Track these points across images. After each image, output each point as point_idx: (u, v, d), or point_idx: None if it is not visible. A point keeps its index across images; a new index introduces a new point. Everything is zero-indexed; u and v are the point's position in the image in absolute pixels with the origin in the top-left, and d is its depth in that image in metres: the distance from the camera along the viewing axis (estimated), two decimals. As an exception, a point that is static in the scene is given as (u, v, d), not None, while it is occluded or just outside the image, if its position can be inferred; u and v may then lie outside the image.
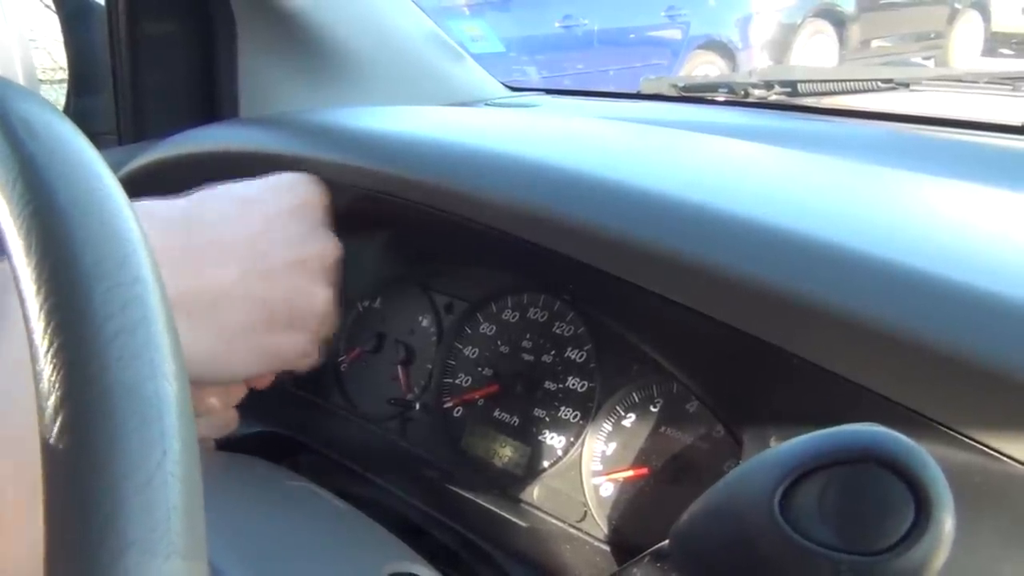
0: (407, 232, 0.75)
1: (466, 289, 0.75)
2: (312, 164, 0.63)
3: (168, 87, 0.97)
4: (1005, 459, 0.38)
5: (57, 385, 0.25)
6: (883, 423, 0.40)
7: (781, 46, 5.85)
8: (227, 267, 0.52)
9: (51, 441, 0.25)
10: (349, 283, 0.83)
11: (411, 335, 0.78)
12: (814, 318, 0.42)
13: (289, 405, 0.80)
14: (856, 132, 1.01)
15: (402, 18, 1.07)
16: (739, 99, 1.19)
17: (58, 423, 0.25)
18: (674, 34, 5.72)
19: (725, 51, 5.74)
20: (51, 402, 0.25)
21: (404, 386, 0.76)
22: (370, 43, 0.99)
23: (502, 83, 1.23)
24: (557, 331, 0.69)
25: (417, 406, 0.75)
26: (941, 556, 0.22)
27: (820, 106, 1.14)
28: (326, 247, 0.58)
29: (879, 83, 1.11)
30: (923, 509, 0.22)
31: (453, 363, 0.74)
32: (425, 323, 0.77)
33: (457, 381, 0.74)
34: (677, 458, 0.60)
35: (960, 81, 1.04)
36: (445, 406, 0.74)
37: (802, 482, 0.24)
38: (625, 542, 0.60)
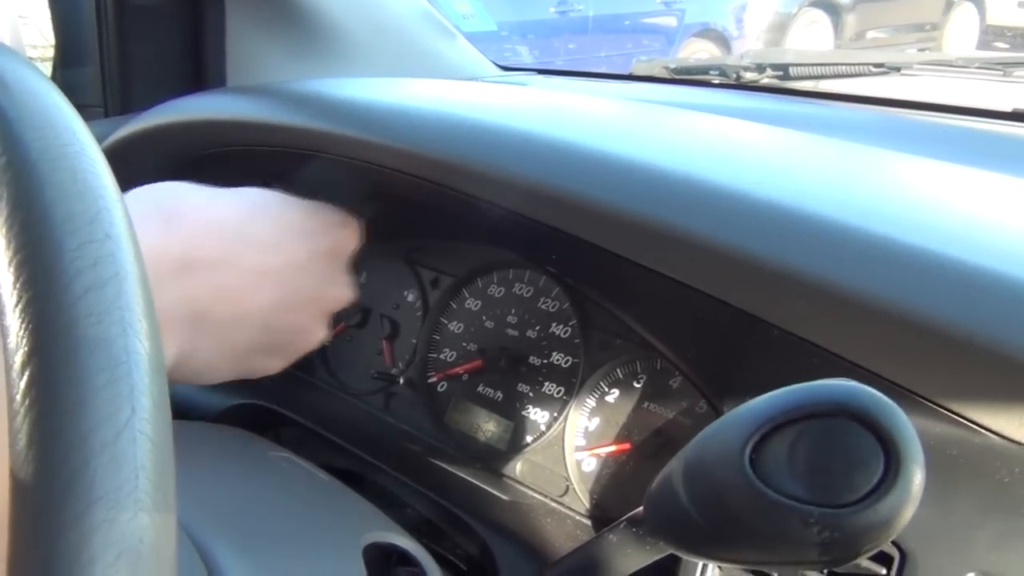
0: (393, 205, 0.75)
1: (452, 264, 0.75)
2: (298, 134, 0.63)
3: (155, 58, 0.95)
4: (982, 431, 0.38)
5: (25, 340, 0.25)
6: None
7: (776, 35, 5.84)
8: (263, 295, 0.53)
9: (18, 395, 0.24)
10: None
11: (396, 310, 0.77)
12: (794, 288, 0.42)
13: (272, 378, 0.80)
14: (846, 115, 1.01)
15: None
16: (731, 82, 1.18)
17: (26, 377, 0.24)
18: (669, 21, 5.69)
19: (720, 40, 5.72)
20: (19, 356, 0.25)
21: (389, 360, 0.76)
22: (360, 16, 0.98)
23: (493, 62, 1.22)
24: (542, 306, 0.69)
25: (401, 380, 0.74)
26: (910, 509, 0.22)
27: (812, 89, 1.14)
28: (344, 292, 0.59)
29: (871, 67, 1.10)
30: (892, 463, 0.22)
31: (438, 338, 0.74)
32: (411, 298, 0.77)
33: (442, 356, 0.73)
34: (660, 433, 0.60)
35: (951, 66, 1.03)
36: (429, 381, 0.73)
37: (772, 436, 0.24)
38: (606, 516, 0.60)
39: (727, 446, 0.24)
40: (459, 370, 0.72)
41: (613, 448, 0.62)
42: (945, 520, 0.36)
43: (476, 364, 0.71)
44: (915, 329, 0.38)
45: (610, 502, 0.61)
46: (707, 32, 5.76)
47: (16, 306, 0.25)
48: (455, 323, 0.73)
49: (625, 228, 0.50)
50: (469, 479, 0.65)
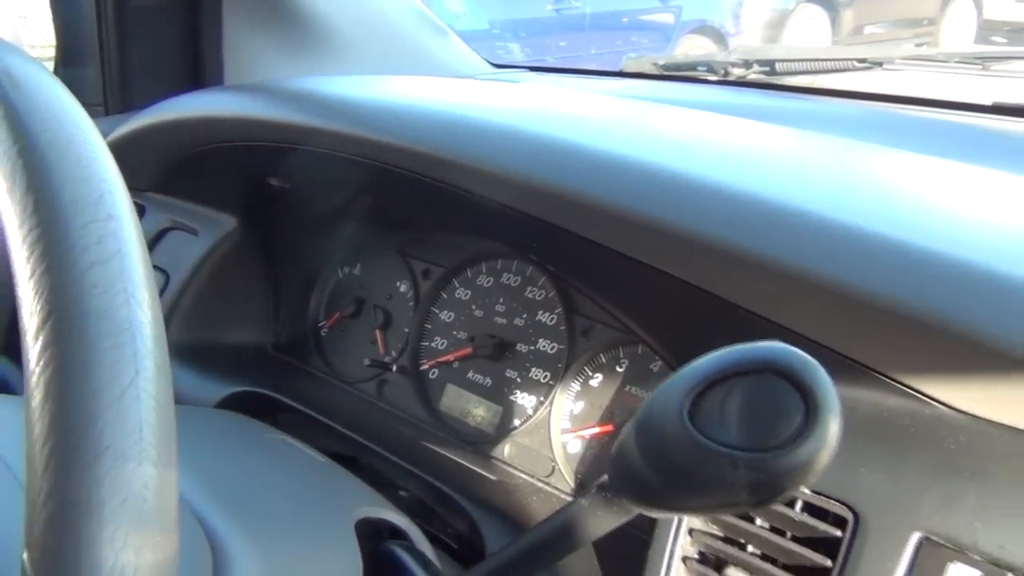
0: (386, 199, 0.77)
1: (443, 255, 0.77)
2: (294, 129, 0.65)
3: (154, 58, 0.98)
4: (932, 402, 0.40)
5: (38, 309, 0.27)
6: (827, 371, 0.43)
7: (773, 31, 5.84)
8: None
9: (33, 360, 0.27)
10: (330, 250, 0.85)
11: (389, 300, 0.80)
12: (758, 271, 0.44)
13: (270, 368, 0.82)
14: (829, 109, 1.03)
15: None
16: (720, 78, 1.21)
17: (39, 343, 0.27)
18: (666, 18, 5.70)
19: (717, 36, 5.73)
20: (33, 324, 0.27)
21: (382, 349, 0.79)
22: (353, 16, 1.00)
23: (486, 60, 1.24)
24: (529, 295, 0.72)
25: (394, 368, 0.77)
26: (826, 454, 0.24)
27: (798, 85, 1.16)
28: None
29: (855, 63, 1.13)
30: (811, 413, 0.24)
31: (429, 327, 0.77)
32: (403, 288, 0.79)
33: (433, 344, 0.76)
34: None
35: (933, 61, 1.06)
36: (421, 368, 0.76)
37: (709, 392, 0.26)
38: (590, 495, 0.63)
39: (669, 403, 0.26)
40: (449, 357, 0.74)
41: (597, 430, 0.65)
42: (896, 485, 0.39)
43: (466, 351, 0.73)
44: (873, 311, 0.41)
45: (594, 481, 0.63)
46: (704, 29, 5.76)
47: (30, 278, 0.28)
48: (445, 312, 0.76)
49: (604, 218, 0.53)
50: (459, 461, 0.67)
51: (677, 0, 5.71)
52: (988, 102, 0.99)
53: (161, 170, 0.80)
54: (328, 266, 0.85)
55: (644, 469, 0.28)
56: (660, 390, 0.27)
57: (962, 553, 0.36)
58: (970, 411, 0.39)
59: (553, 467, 0.66)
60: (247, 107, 0.69)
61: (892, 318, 0.41)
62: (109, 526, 0.25)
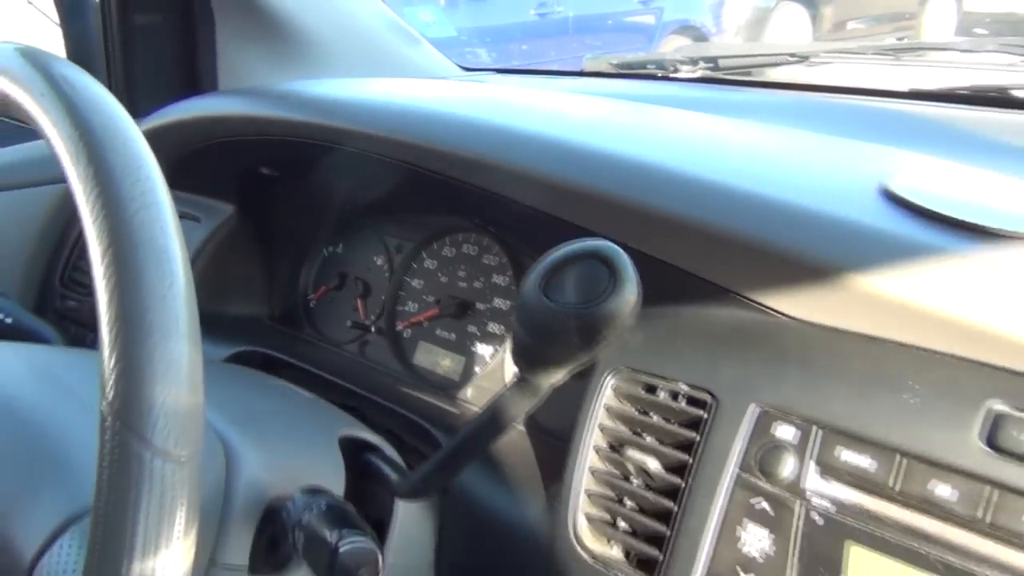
0: (362, 183, 0.89)
1: (413, 232, 0.89)
2: (280, 123, 0.77)
3: (155, 70, 1.10)
4: (769, 311, 0.52)
5: (102, 240, 0.39)
6: (696, 295, 0.55)
7: (755, 30, 5.95)
8: None
9: (100, 277, 0.39)
10: (316, 232, 0.97)
11: (368, 272, 0.92)
12: (660, 223, 0.56)
13: (266, 336, 0.94)
14: (760, 99, 1.16)
15: (363, 5, 1.21)
16: (669, 74, 1.33)
17: (104, 262, 0.39)
18: (648, 20, 5.81)
19: (699, 36, 5.83)
20: (97, 252, 0.39)
21: (363, 314, 0.91)
22: (333, 27, 1.13)
23: (457, 64, 1.36)
24: (485, 262, 0.84)
25: (373, 329, 0.89)
26: (626, 307, 0.36)
27: (737, 79, 1.29)
28: None
29: (787, 57, 1.25)
30: (615, 280, 0.36)
31: (403, 293, 0.89)
32: (379, 262, 0.92)
33: (406, 308, 0.88)
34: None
35: (852, 53, 1.18)
36: (396, 329, 0.88)
37: (556, 273, 0.38)
38: (537, 425, 0.75)
39: (532, 283, 0.39)
40: (420, 318, 0.86)
41: (542, 370, 0.77)
42: (744, 374, 0.51)
43: (433, 312, 0.85)
44: (721, 240, 0.53)
45: (541, 414, 0.75)
46: (686, 29, 5.86)
47: (95, 221, 0.40)
48: (416, 280, 0.88)
49: (541, 188, 0.65)
50: (430, 401, 0.79)
51: (659, 1, 5.81)
52: (905, 88, 1.12)
53: (166, 167, 0.91)
54: (315, 246, 0.97)
55: (522, 334, 0.40)
56: (526, 277, 0.40)
57: (785, 416, 0.48)
58: (795, 315, 0.51)
59: (507, 403, 0.78)
60: (239, 107, 0.81)
61: (734, 245, 0.53)
62: (159, 384, 0.37)
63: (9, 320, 0.78)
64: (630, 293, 0.37)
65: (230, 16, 1.07)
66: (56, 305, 0.98)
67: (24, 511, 0.45)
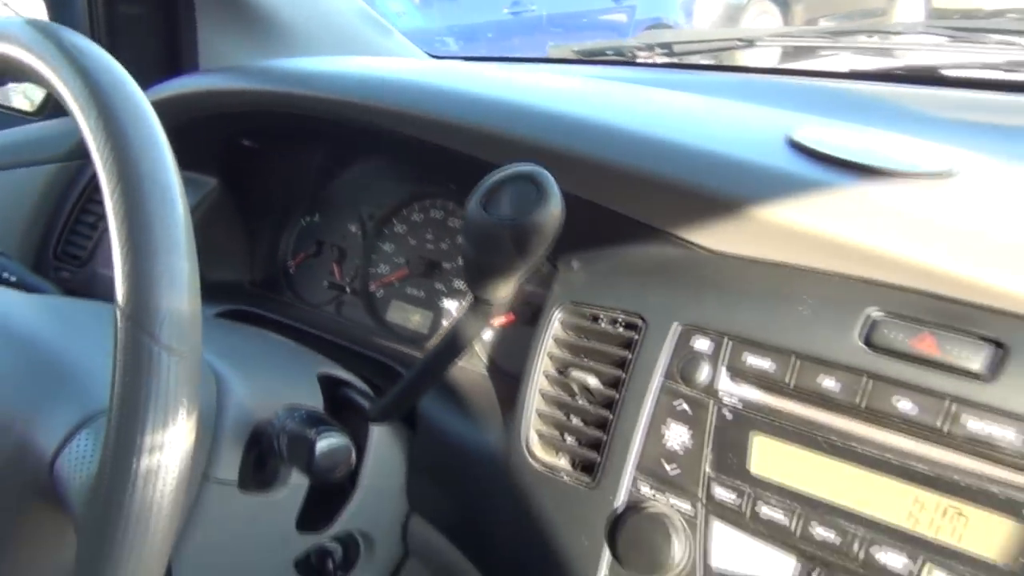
0: (336, 152, 0.96)
1: (384, 199, 0.96)
2: (253, 95, 0.84)
3: (140, 54, 1.16)
4: (690, 245, 0.60)
5: (113, 179, 0.46)
6: (629, 235, 0.63)
7: (728, 26, 6.04)
8: None
9: (112, 207, 0.46)
10: (294, 204, 1.04)
11: (343, 239, 0.99)
12: (604, 171, 0.64)
13: (248, 299, 1.01)
14: (711, 80, 1.24)
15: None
16: (628, 60, 1.41)
17: (115, 196, 0.46)
18: (620, 18, 5.89)
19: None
20: (109, 187, 0.46)
21: (339, 277, 0.98)
22: (307, 15, 1.20)
23: (427, 52, 1.43)
24: (451, 224, 0.91)
25: (348, 290, 0.96)
26: (551, 220, 0.44)
27: (691, 63, 1.37)
28: None
29: (736, 42, 1.34)
30: (541, 196, 0.44)
31: (375, 256, 0.96)
32: (353, 229, 0.99)
33: (378, 270, 0.95)
34: (530, 304, 0.82)
35: (792, 36, 1.27)
36: (370, 289, 0.95)
37: (494, 192, 0.46)
38: (499, 368, 0.82)
39: (474, 202, 0.46)
40: (392, 278, 0.94)
41: (503, 320, 0.84)
42: (670, 300, 0.59)
43: (404, 272, 0.93)
44: (653, 185, 0.61)
45: (501, 359, 0.83)
46: (658, 27, 5.96)
47: (105, 162, 0.47)
48: (388, 244, 0.95)
49: (499, 145, 0.72)
50: (401, 350, 0.87)
51: (631, 0, 5.89)
52: (845, 69, 1.20)
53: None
54: (293, 216, 1.04)
55: (468, 249, 0.48)
56: (470, 197, 0.47)
57: (702, 331, 0.56)
58: (711, 247, 0.59)
59: (473, 352, 0.85)
60: (218, 82, 0.88)
61: (658, 186, 0.61)
62: (164, 291, 0.44)
63: (13, 279, 0.85)
64: (554, 206, 0.44)
65: (210, 4, 1.13)
66: (51, 276, 1.04)
67: (44, 416, 0.52)
